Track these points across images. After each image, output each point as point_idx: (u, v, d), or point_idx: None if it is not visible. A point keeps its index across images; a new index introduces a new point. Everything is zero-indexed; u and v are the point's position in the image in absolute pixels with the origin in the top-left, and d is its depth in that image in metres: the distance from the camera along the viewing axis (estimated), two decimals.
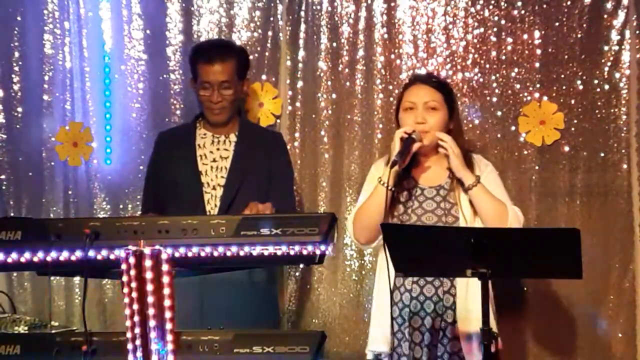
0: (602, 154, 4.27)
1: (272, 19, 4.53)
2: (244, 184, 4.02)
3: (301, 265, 4.38)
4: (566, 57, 4.30)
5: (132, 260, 2.74)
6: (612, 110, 4.27)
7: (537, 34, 4.32)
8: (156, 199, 4.11)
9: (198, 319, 3.79)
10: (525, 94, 4.33)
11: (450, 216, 3.57)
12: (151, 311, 2.74)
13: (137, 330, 2.76)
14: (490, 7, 4.35)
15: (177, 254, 2.76)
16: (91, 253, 2.76)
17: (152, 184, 4.18)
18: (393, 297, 3.52)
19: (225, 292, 3.84)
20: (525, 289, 4.28)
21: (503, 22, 4.35)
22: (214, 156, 4.10)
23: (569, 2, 4.29)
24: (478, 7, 4.36)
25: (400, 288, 3.58)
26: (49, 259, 2.80)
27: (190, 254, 2.76)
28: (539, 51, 4.32)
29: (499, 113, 4.34)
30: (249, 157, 4.08)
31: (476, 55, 4.37)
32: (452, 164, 3.56)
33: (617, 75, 4.25)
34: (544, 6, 4.31)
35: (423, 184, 3.66)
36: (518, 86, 4.33)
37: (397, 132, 3.56)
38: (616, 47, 4.25)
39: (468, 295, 3.49)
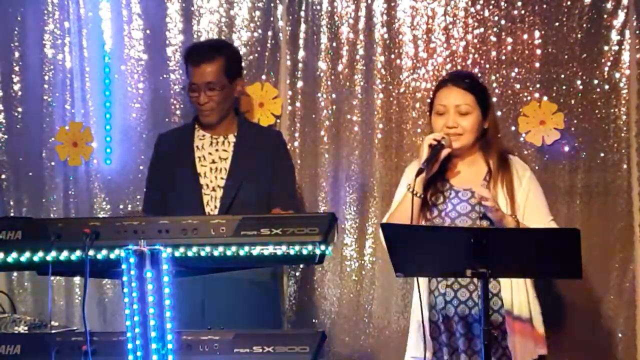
0: (602, 154, 4.27)
1: (272, 19, 4.53)
2: (243, 185, 4.01)
3: (301, 265, 4.38)
4: (566, 57, 4.30)
5: (132, 260, 2.74)
6: (612, 110, 4.27)
7: (537, 34, 4.32)
8: (156, 201, 4.10)
9: (199, 319, 3.80)
10: (525, 94, 4.33)
11: (485, 220, 3.49)
12: (151, 311, 2.74)
13: (137, 330, 2.76)
14: (490, 7, 4.35)
15: (177, 254, 2.76)
16: (91, 253, 2.77)
17: (152, 186, 4.17)
18: (430, 302, 3.49)
19: (227, 292, 3.83)
20: None
21: (503, 22, 4.35)
22: (213, 157, 4.10)
23: (569, 2, 4.29)
24: (478, 7, 4.36)
25: (434, 291, 3.51)
26: (49, 259, 2.80)
27: (190, 254, 2.76)
28: (539, 51, 4.32)
29: (499, 113, 4.33)
30: (248, 157, 4.06)
31: (476, 55, 4.36)
32: (492, 217, 3.45)
33: (617, 75, 4.25)
34: (544, 6, 4.31)
35: (457, 186, 3.58)
36: (518, 86, 4.33)
37: (426, 139, 3.50)
38: (616, 47, 4.25)
39: (513, 293, 3.46)
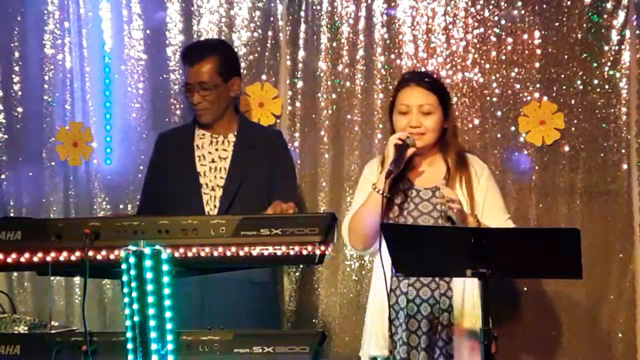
0: (602, 154, 4.27)
1: (272, 19, 4.53)
2: (243, 184, 4.00)
3: (301, 266, 4.38)
4: (566, 57, 4.30)
5: (132, 260, 2.74)
6: (612, 110, 4.27)
7: (537, 34, 4.32)
8: (154, 200, 4.09)
9: (199, 319, 3.79)
10: (525, 94, 4.33)
11: (446, 218, 3.54)
12: (151, 311, 2.74)
13: (137, 330, 2.76)
14: (490, 7, 4.35)
15: (177, 254, 2.76)
16: (91, 253, 2.76)
17: (151, 185, 4.17)
18: (389, 300, 3.51)
19: (226, 292, 3.83)
20: (525, 289, 4.27)
21: (503, 22, 4.35)
22: (213, 157, 4.09)
23: (569, 2, 4.28)
24: (478, 7, 4.36)
25: (395, 290, 3.55)
26: (49, 259, 2.80)
27: (190, 254, 2.76)
28: (539, 51, 4.32)
29: (499, 113, 4.34)
30: (248, 157, 4.06)
31: (476, 55, 4.36)
32: (455, 218, 3.48)
33: (617, 75, 4.26)
34: (544, 6, 4.31)
35: (419, 185, 3.63)
36: (518, 86, 4.33)
37: (391, 139, 3.53)
38: (616, 47, 4.25)
39: (465, 297, 3.49)
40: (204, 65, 4.01)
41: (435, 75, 3.87)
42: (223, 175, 4.04)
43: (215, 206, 4.01)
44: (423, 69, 4.35)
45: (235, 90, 4.15)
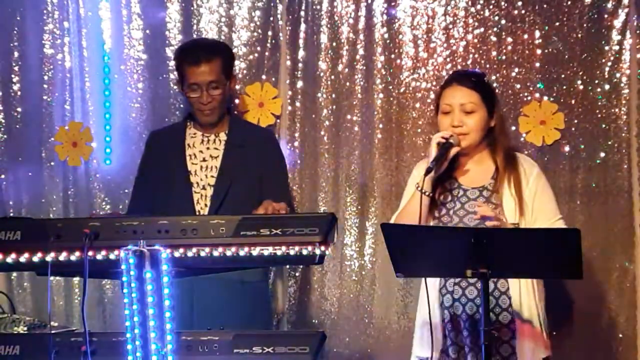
0: (603, 154, 4.27)
1: (272, 18, 4.53)
2: (234, 183, 3.99)
3: (301, 266, 4.37)
4: (566, 57, 4.29)
5: (132, 260, 2.73)
6: (613, 110, 4.26)
7: (537, 34, 4.32)
8: (145, 199, 4.08)
9: (188, 319, 3.79)
10: (526, 94, 4.32)
11: None
12: (151, 311, 2.74)
13: (137, 330, 2.75)
14: (491, 7, 4.35)
15: (176, 254, 2.75)
16: (90, 253, 2.76)
17: (142, 184, 4.16)
18: (438, 300, 3.48)
19: (217, 292, 3.82)
20: None
21: (503, 22, 4.34)
22: (204, 155, 4.09)
23: (569, 2, 4.28)
24: (478, 7, 4.36)
25: (441, 290, 3.51)
26: (48, 259, 2.80)
27: (190, 254, 2.76)
28: (539, 51, 4.32)
29: None
30: (239, 156, 4.04)
31: (476, 55, 4.36)
32: None
33: (618, 75, 4.25)
34: (544, 6, 4.31)
35: (466, 185, 3.58)
36: (518, 86, 4.33)
37: (434, 137, 3.50)
38: (617, 47, 4.25)
39: (521, 294, 3.46)
40: (212, 65, 4.00)
41: (480, 74, 3.79)
42: (214, 174, 4.04)
43: (205, 205, 4.00)
44: (423, 70, 4.35)
45: (232, 89, 4.16)
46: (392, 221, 3.62)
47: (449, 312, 3.50)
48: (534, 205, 3.52)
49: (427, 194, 3.45)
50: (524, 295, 3.47)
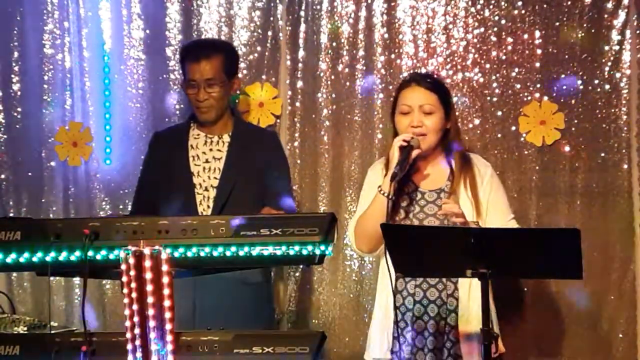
0: (603, 154, 4.27)
1: (272, 18, 4.53)
2: (237, 185, 3.99)
3: (301, 266, 4.37)
4: (566, 57, 4.29)
5: (131, 260, 2.73)
6: (613, 110, 4.26)
7: (537, 33, 4.32)
8: (148, 200, 4.08)
9: (190, 319, 3.79)
10: (526, 93, 4.32)
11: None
12: (151, 311, 2.74)
13: (137, 330, 2.75)
14: (491, 7, 4.35)
15: (176, 254, 2.75)
16: (91, 253, 2.76)
17: (145, 185, 4.16)
18: (395, 301, 3.50)
19: (218, 292, 3.82)
20: (525, 289, 4.27)
21: (503, 22, 4.34)
22: (207, 157, 4.08)
23: (569, 2, 4.28)
24: (478, 7, 4.36)
25: (402, 292, 3.54)
26: (48, 259, 2.80)
27: (190, 254, 2.76)
28: (539, 51, 4.32)
29: (499, 113, 4.34)
30: (242, 158, 4.04)
31: (476, 55, 4.36)
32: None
33: (618, 75, 4.25)
34: (544, 6, 4.31)
35: (423, 187, 3.62)
36: (518, 86, 4.33)
37: (396, 141, 3.51)
38: (617, 47, 4.24)
39: (470, 297, 3.48)
40: (211, 62, 4.00)
41: (436, 76, 3.86)
42: (217, 176, 4.03)
43: (208, 206, 3.99)
44: (423, 70, 4.35)
45: (235, 89, 4.16)
46: (351, 225, 3.64)
47: (410, 314, 3.51)
48: (489, 205, 3.56)
49: (391, 197, 3.44)
50: (473, 301, 3.45)
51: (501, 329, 3.54)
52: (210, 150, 4.09)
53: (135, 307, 2.75)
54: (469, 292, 3.48)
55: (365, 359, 3.67)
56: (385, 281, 3.43)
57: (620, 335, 4.24)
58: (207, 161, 4.07)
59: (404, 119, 3.59)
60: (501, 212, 3.59)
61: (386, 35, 4.43)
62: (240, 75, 4.36)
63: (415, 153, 3.49)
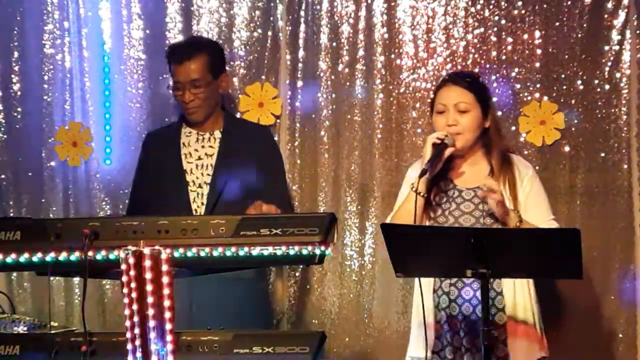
0: (603, 154, 4.27)
1: (272, 18, 4.53)
2: (229, 181, 3.99)
3: (301, 266, 4.37)
4: (566, 57, 4.29)
5: (131, 260, 2.73)
6: (613, 110, 4.26)
7: (537, 34, 4.32)
8: (142, 200, 4.08)
9: (186, 319, 3.78)
10: (526, 94, 4.32)
11: (488, 217, 3.49)
12: (151, 311, 2.74)
13: (137, 330, 2.75)
14: (491, 7, 4.35)
15: (176, 254, 2.75)
16: (90, 253, 2.76)
17: (139, 184, 4.16)
18: (433, 301, 3.48)
19: (214, 291, 3.81)
20: None
21: (503, 22, 4.34)
22: (199, 154, 4.08)
23: (569, 2, 4.28)
24: (478, 7, 4.36)
25: (437, 291, 3.51)
26: (48, 259, 2.80)
27: (190, 254, 2.76)
28: (539, 51, 4.32)
29: (499, 113, 4.33)
30: (234, 154, 4.04)
31: (476, 55, 4.36)
32: (496, 212, 3.44)
33: (618, 75, 4.25)
34: (544, 6, 4.31)
35: (460, 185, 3.59)
36: (518, 86, 4.33)
37: (429, 138, 3.50)
38: (617, 47, 4.25)
39: (516, 295, 3.46)
40: (195, 63, 4.00)
41: (475, 75, 3.79)
42: (210, 172, 4.03)
43: (202, 203, 4.00)
44: (423, 70, 4.35)
45: (224, 87, 4.15)
46: (387, 222, 3.62)
47: (445, 313, 3.49)
48: (527, 206, 3.53)
49: (422, 194, 3.46)
50: (519, 295, 3.47)
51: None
52: (202, 147, 4.09)
53: (135, 307, 2.75)
54: (514, 289, 3.45)
55: (406, 357, 3.64)
56: (424, 280, 3.40)
57: (620, 335, 4.24)
58: (199, 158, 4.07)
59: (440, 118, 3.58)
60: (541, 211, 3.55)
61: (386, 35, 4.43)
62: (240, 75, 4.37)
63: (449, 151, 3.48)
